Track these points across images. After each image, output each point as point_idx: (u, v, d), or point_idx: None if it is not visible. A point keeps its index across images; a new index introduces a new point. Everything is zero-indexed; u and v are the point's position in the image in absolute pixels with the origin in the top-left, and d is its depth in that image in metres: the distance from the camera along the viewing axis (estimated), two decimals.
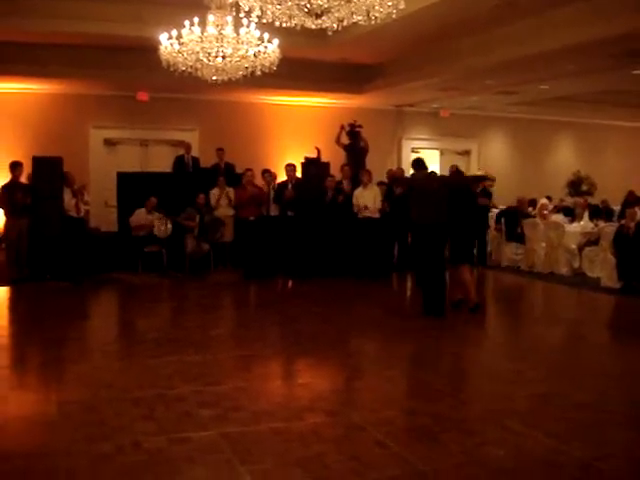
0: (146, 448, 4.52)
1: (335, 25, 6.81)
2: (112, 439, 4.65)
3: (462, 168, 15.17)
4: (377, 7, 6.52)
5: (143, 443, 4.59)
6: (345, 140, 14.04)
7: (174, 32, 9.49)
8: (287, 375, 6.86)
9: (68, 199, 12.29)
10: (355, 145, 13.89)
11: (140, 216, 12.84)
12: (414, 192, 9.65)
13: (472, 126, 19.95)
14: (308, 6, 6.44)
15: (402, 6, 6.67)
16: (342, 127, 14.06)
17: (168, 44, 9.57)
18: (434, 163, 19.30)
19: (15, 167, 11.96)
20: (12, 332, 8.62)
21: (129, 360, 6.96)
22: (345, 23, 6.79)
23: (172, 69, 9.80)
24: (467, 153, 20.53)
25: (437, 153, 20.15)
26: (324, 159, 13.95)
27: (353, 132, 13.94)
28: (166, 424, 4.98)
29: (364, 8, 6.54)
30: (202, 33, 9.30)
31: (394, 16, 6.76)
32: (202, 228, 12.93)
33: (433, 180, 9.81)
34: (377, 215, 12.53)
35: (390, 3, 6.52)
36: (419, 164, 9.89)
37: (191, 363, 6.80)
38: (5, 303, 10.63)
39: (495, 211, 15.08)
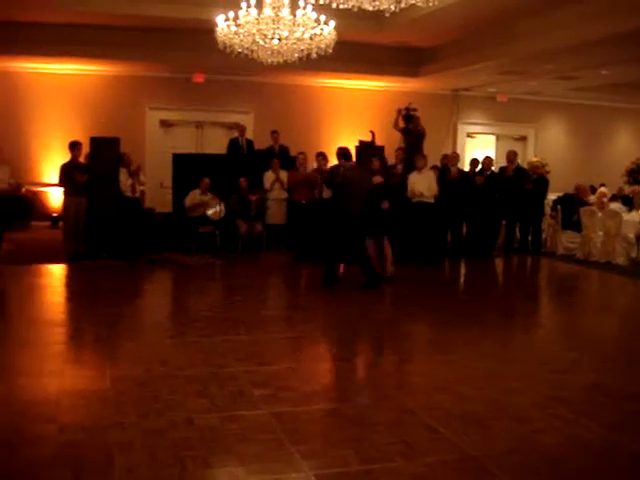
0: (198, 425, 4.58)
1: (392, 7, 6.75)
2: (165, 415, 4.73)
3: (519, 154, 14.94)
4: None
5: (195, 420, 4.66)
6: (402, 124, 13.94)
7: (231, 14, 9.51)
8: (338, 357, 6.86)
9: (124, 179, 12.45)
10: (410, 129, 13.76)
11: (194, 197, 12.96)
12: (343, 182, 9.97)
13: (529, 111, 19.63)
14: None
15: None
16: (399, 111, 13.96)
17: (224, 26, 9.59)
18: (490, 148, 19.10)
19: (74, 147, 12.17)
20: (68, 308, 8.80)
21: (182, 338, 7.05)
22: (402, 5, 6.71)
23: (228, 51, 9.83)
24: (524, 139, 20.23)
25: (493, 138, 19.91)
26: (379, 143, 13.87)
27: (408, 115, 13.81)
28: (218, 402, 5.04)
29: None
30: (259, 15, 9.30)
31: None
32: (243, 210, 12.97)
33: (364, 173, 10.27)
34: (431, 200, 12.41)
35: None
36: (346, 155, 10.27)
37: (243, 343, 6.87)
38: (62, 280, 10.85)
39: (551, 198, 14.84)
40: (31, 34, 13.36)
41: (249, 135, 15.42)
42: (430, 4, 6.64)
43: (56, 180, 12.60)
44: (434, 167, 13.33)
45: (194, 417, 4.70)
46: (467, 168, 14.43)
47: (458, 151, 18.20)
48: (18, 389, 5.35)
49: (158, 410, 4.82)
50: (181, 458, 4.07)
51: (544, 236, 14.43)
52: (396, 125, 13.91)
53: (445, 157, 14.47)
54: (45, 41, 13.49)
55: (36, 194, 15.64)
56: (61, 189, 12.66)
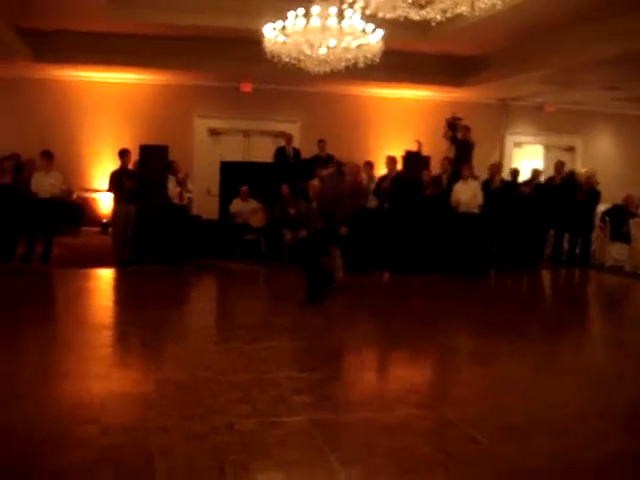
0: (239, 430, 4.62)
1: (438, 16, 6.75)
2: (207, 419, 4.78)
3: (566, 164, 14.77)
4: None
5: (236, 425, 4.70)
6: (450, 133, 13.90)
7: (279, 24, 9.60)
8: (379, 366, 6.86)
9: (172, 187, 12.63)
10: (458, 138, 13.71)
11: (237, 205, 13.08)
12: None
13: (578, 122, 19.37)
14: None
15: None
16: (447, 120, 13.93)
17: (272, 35, 9.68)
18: (538, 159, 18.90)
19: (124, 154, 12.38)
20: (115, 312, 8.93)
21: (226, 344, 7.11)
22: (449, 14, 6.71)
23: (276, 60, 9.92)
24: (572, 149, 19.97)
25: (541, 149, 19.69)
26: (425, 153, 13.84)
27: (453, 124, 13.77)
28: (260, 407, 5.07)
29: None
30: (306, 25, 9.37)
31: (498, 7, 6.64)
32: (285, 219, 13.03)
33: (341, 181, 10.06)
34: (476, 210, 12.33)
35: None
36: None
37: (286, 349, 6.91)
38: (110, 284, 11.04)
39: (600, 209, 14.62)
40: (83, 43, 13.66)
41: (296, 144, 15.51)
42: (476, 14, 6.63)
43: (106, 187, 12.85)
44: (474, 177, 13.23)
45: (235, 422, 4.74)
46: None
47: (506, 161, 18.09)
48: (64, 391, 5.46)
49: (200, 414, 4.87)
50: (221, 462, 4.11)
51: (592, 248, 14.23)
52: (446, 135, 13.87)
53: (492, 166, 14.34)
54: (96, 50, 13.78)
55: (86, 200, 15.95)
56: (111, 196, 12.89)
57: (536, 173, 14.01)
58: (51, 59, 14.09)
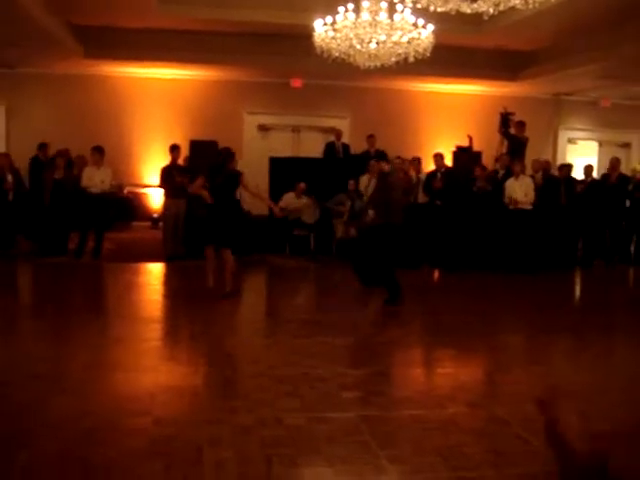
0: (287, 424, 4.61)
1: (491, 10, 6.65)
2: (255, 412, 4.78)
3: (622, 161, 14.45)
4: None
5: (284, 419, 4.69)
6: (504, 128, 13.72)
7: (329, 19, 9.58)
8: (429, 363, 6.80)
9: None
10: (511, 133, 13.52)
11: (289, 200, 13.10)
12: None
13: (634, 117, 18.93)
14: None
15: None
16: (500, 114, 13.76)
17: (322, 30, 9.67)
18: (592, 155, 18.54)
19: (174, 150, 12.51)
20: (165, 306, 9.02)
21: (275, 338, 7.13)
22: (502, 7, 6.61)
23: (325, 55, 9.90)
24: (627, 145, 19.55)
25: (595, 145, 19.32)
26: (477, 148, 13.70)
27: (505, 119, 13.58)
28: (308, 403, 5.06)
29: None
30: (356, 19, 9.33)
31: (553, 0, 6.52)
32: (352, 214, 13.01)
33: None
34: (529, 207, 12.14)
35: None
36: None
37: (335, 345, 6.88)
38: (160, 279, 11.15)
39: None
40: (133, 40, 13.82)
41: (345, 139, 15.47)
42: (530, 6, 6.51)
43: (156, 182, 12.98)
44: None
45: (283, 416, 4.73)
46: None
47: (559, 157, 17.80)
48: (115, 383, 5.52)
49: (248, 408, 4.87)
50: (268, 456, 4.10)
51: None
52: (500, 129, 13.70)
53: (535, 162, 14.05)
54: (146, 46, 13.94)
55: (137, 195, 16.13)
56: (161, 191, 13.02)
57: (589, 170, 13.73)
58: (102, 55, 14.28)
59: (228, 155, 8.89)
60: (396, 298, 8.75)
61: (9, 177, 12.29)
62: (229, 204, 8.89)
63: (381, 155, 11.81)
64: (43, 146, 13.47)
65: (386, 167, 8.89)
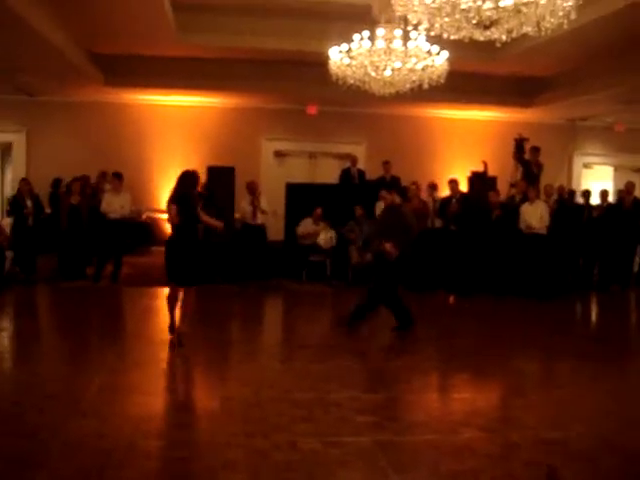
0: (301, 448, 4.64)
1: (504, 37, 6.71)
2: (270, 437, 4.81)
3: (637, 185, 14.42)
4: (548, 18, 6.37)
5: (299, 443, 4.72)
6: (517, 154, 13.77)
7: (344, 46, 9.69)
8: (443, 388, 6.81)
9: (246, 205, 12.82)
10: (526, 159, 13.56)
11: (306, 226, 13.18)
12: None
13: None
14: (477, 17, 6.39)
15: (574, 17, 6.48)
16: (515, 140, 13.81)
17: (338, 58, 9.77)
18: (607, 180, 18.50)
19: None
20: None
21: (291, 363, 7.16)
22: (514, 34, 6.67)
23: (341, 83, 9.99)
24: None
25: (610, 170, 19.28)
26: (491, 174, 13.73)
27: (519, 145, 13.64)
28: (323, 427, 5.09)
29: (534, 19, 6.40)
30: (371, 47, 9.43)
31: (565, 27, 6.58)
32: (363, 240, 13.05)
33: None
34: (544, 232, 12.14)
35: (561, 14, 6.35)
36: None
37: (350, 370, 6.91)
38: (177, 303, 11.18)
39: None
40: (153, 68, 13.99)
41: (361, 165, 15.55)
42: (542, 33, 6.57)
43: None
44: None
45: (298, 440, 4.76)
46: (581, 199, 14.03)
47: (575, 182, 17.79)
48: (132, 406, 5.57)
49: (263, 432, 4.91)
50: None
51: None
52: (515, 155, 13.75)
53: (547, 187, 14.03)
54: (166, 74, 14.10)
55: (155, 220, 16.25)
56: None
57: (605, 194, 13.73)
58: (122, 83, 14.47)
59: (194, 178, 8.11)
60: (406, 324, 8.73)
61: (29, 202, 12.46)
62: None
63: (393, 182, 11.90)
64: (57, 182, 13.70)
65: (397, 199, 8.88)
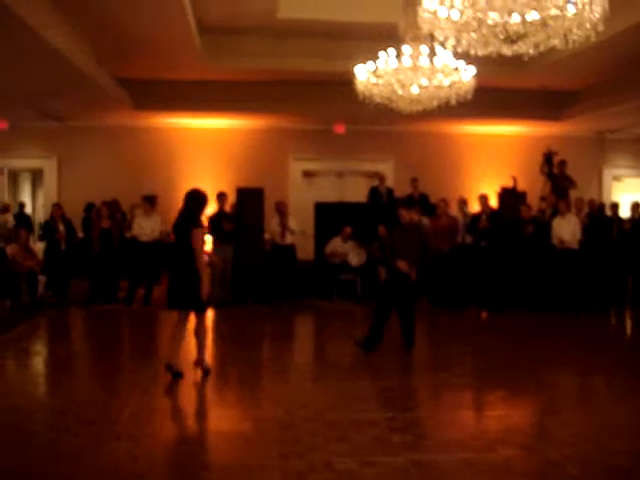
0: (337, 469, 4.60)
1: (531, 51, 6.68)
2: (305, 457, 4.78)
3: None
4: (575, 30, 6.33)
5: (335, 464, 4.68)
6: (547, 168, 13.69)
7: (370, 65, 9.70)
8: (478, 405, 6.73)
9: (275, 226, 12.88)
10: (554, 173, 13.48)
11: (335, 245, 13.18)
12: None
13: None
14: (504, 32, 6.37)
15: (601, 28, 6.43)
16: (543, 155, 13.74)
17: (364, 77, 9.79)
18: (637, 192, 18.29)
19: (221, 197, 12.77)
20: (213, 351, 9.08)
21: (323, 382, 7.13)
22: (542, 48, 6.64)
23: (368, 101, 10.01)
24: None
25: None
26: (521, 189, 13.65)
27: (548, 159, 13.56)
28: (358, 447, 5.05)
29: (561, 32, 6.37)
30: (397, 65, 9.43)
31: (593, 39, 6.53)
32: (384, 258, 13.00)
33: None
34: (576, 246, 12.03)
35: (588, 26, 6.30)
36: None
37: (383, 388, 6.86)
38: (209, 324, 11.23)
39: None
40: (181, 91, 14.13)
41: (389, 183, 15.54)
42: (570, 46, 6.54)
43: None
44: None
45: (333, 461, 4.73)
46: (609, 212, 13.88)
47: (605, 195, 17.62)
48: (166, 428, 5.58)
49: (298, 453, 4.88)
50: None
51: None
52: (542, 170, 13.66)
53: (577, 200, 13.91)
54: (193, 97, 14.24)
55: None
56: (209, 238, 13.20)
57: (635, 207, 13.56)
58: (150, 107, 14.65)
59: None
60: (370, 343, 8.37)
61: (61, 227, 12.65)
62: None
63: (422, 200, 11.83)
64: (90, 206, 13.87)
65: (415, 216, 8.84)
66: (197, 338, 7.36)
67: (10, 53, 10.02)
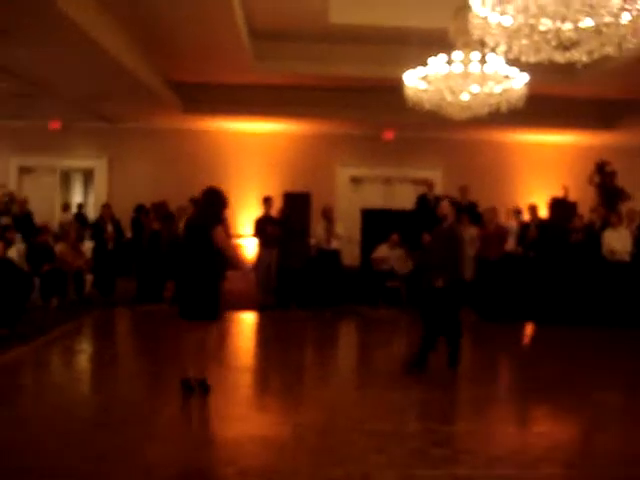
0: None
1: (584, 58, 6.52)
2: (342, 467, 4.71)
3: None
4: (629, 37, 6.16)
5: (372, 475, 4.60)
6: (597, 179, 13.41)
7: (420, 71, 9.61)
8: (523, 421, 6.58)
9: (320, 230, 12.85)
10: (603, 183, 13.21)
11: (382, 251, 13.09)
12: None
13: None
14: (556, 39, 6.23)
15: None
16: (596, 166, 13.48)
17: (414, 83, 9.71)
18: None
19: (267, 202, 12.79)
20: (256, 355, 9.10)
21: (365, 390, 7.06)
22: (595, 56, 6.48)
23: (417, 108, 9.92)
24: None
25: None
26: (572, 199, 13.41)
27: (600, 169, 13.29)
28: (397, 459, 4.96)
29: (615, 39, 6.19)
30: (448, 71, 9.33)
31: None
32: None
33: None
34: (627, 258, 11.75)
35: None
36: None
37: (425, 400, 6.76)
38: (252, 328, 11.26)
39: None
40: (230, 95, 14.23)
41: (438, 191, 15.38)
42: (624, 53, 6.37)
43: (250, 232, 13.25)
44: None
45: (371, 472, 4.65)
46: None
47: None
48: (204, 431, 5.57)
49: (335, 461, 4.81)
50: None
51: None
52: (591, 181, 13.39)
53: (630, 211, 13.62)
54: (242, 102, 14.33)
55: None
56: (255, 241, 13.26)
57: None
58: (200, 110, 14.76)
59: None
60: (419, 362, 7.69)
61: (109, 227, 12.79)
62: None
63: (470, 208, 11.64)
64: (140, 207, 14.00)
65: (452, 218, 7.95)
66: (200, 350, 6.58)
67: (64, 56, 10.22)
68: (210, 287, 6.50)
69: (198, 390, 6.31)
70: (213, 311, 6.54)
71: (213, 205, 6.65)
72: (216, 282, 6.60)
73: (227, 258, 6.97)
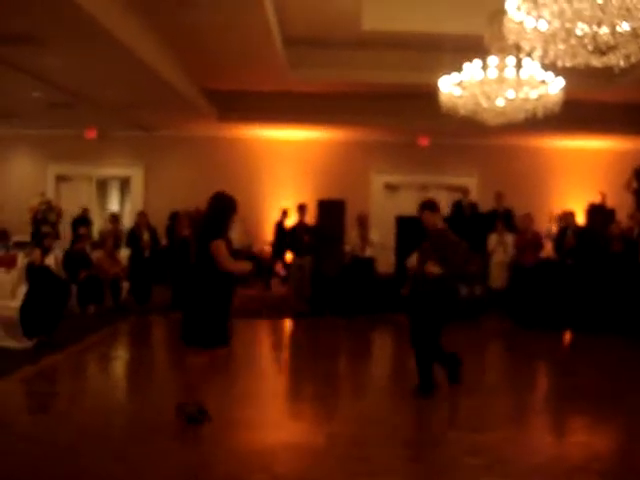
0: None
1: (622, 62, 6.42)
2: (377, 476, 4.68)
3: None
4: None
5: None
6: (635, 185, 13.21)
7: (455, 76, 9.56)
8: (560, 430, 6.49)
9: (355, 237, 12.83)
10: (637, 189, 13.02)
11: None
12: None
13: None
14: (593, 44, 6.15)
15: None
16: (634, 172, 13.28)
17: (448, 89, 9.65)
18: None
19: (301, 209, 12.81)
20: (290, 363, 9.08)
21: (400, 399, 7.00)
22: (633, 60, 6.38)
23: (452, 114, 9.86)
24: None
25: None
26: (610, 205, 13.22)
27: (639, 176, 13.09)
28: (431, 468, 4.93)
29: None
30: (483, 76, 9.26)
31: None
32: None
33: None
34: None
35: None
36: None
37: (461, 408, 6.73)
38: (287, 335, 11.26)
39: None
40: (265, 103, 14.25)
41: (473, 197, 15.29)
42: None
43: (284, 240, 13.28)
44: None
45: None
46: None
47: None
48: (239, 438, 5.57)
49: (368, 471, 4.78)
50: None
51: None
52: (628, 186, 13.20)
53: None
54: (277, 109, 14.34)
55: (266, 252, 16.44)
56: (289, 248, 13.29)
57: None
58: (234, 118, 14.82)
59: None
60: (426, 387, 7.10)
61: (145, 235, 12.90)
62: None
63: (506, 215, 11.51)
64: (175, 215, 14.09)
65: (440, 222, 8.00)
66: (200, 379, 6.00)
67: (101, 64, 10.31)
68: (210, 310, 5.97)
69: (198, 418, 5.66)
70: (213, 337, 5.95)
71: (216, 215, 6.19)
72: (217, 304, 6.08)
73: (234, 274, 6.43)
